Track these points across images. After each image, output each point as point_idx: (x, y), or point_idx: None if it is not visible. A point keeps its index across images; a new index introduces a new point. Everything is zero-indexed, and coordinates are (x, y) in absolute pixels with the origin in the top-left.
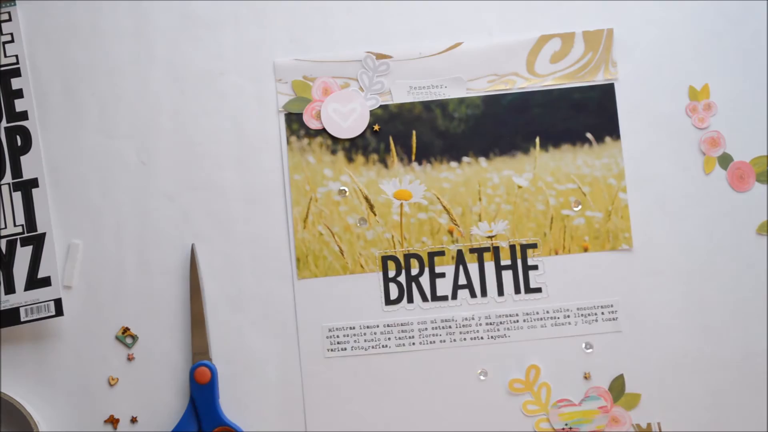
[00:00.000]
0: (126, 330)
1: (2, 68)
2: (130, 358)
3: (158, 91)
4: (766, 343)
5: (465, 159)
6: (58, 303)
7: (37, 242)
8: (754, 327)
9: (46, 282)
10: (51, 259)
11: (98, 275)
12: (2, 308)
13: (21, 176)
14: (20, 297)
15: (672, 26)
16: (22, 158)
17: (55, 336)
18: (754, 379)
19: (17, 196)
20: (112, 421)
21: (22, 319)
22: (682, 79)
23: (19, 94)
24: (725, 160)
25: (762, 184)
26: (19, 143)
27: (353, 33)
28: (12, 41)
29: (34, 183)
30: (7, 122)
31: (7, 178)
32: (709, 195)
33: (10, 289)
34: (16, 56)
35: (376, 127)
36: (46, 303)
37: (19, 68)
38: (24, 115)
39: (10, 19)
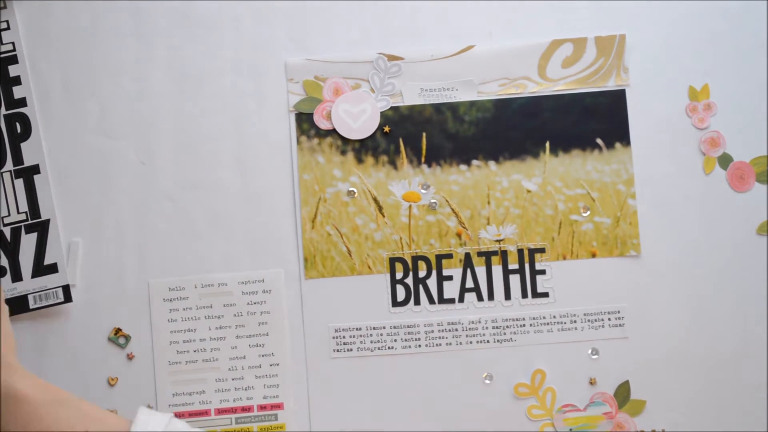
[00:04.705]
0: (118, 331)
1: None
2: (129, 357)
3: (158, 91)
4: (766, 343)
5: (474, 162)
6: (66, 289)
7: (41, 229)
8: (754, 327)
9: (52, 269)
10: (56, 246)
11: (98, 275)
12: (10, 296)
13: (22, 163)
14: (28, 284)
15: (672, 26)
16: (23, 145)
17: (55, 335)
18: (754, 379)
19: (19, 183)
20: None
21: (31, 307)
22: (682, 79)
23: (17, 81)
24: (725, 160)
25: (762, 184)
26: (18, 130)
27: (356, 33)
28: (8, 28)
29: (35, 169)
30: (6, 109)
31: (8, 165)
32: (709, 195)
33: (17, 276)
34: (13, 43)
35: (387, 129)
36: (54, 290)
37: (15, 55)
38: (23, 102)
39: (5, 6)
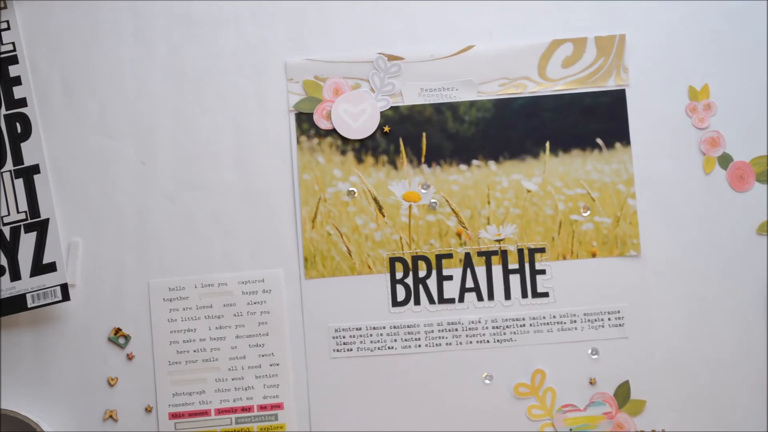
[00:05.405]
0: (118, 330)
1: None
2: (129, 357)
3: (158, 91)
4: (766, 343)
5: (474, 162)
6: (64, 288)
7: (41, 228)
8: (754, 327)
9: (51, 267)
10: (55, 245)
11: (98, 275)
12: (8, 295)
13: (22, 163)
14: (26, 283)
15: (672, 26)
16: (23, 145)
17: (55, 335)
18: (754, 379)
19: (19, 183)
20: (112, 417)
21: (29, 305)
22: (682, 79)
23: (17, 81)
24: (725, 160)
25: (762, 184)
26: (18, 130)
27: (356, 33)
28: (8, 28)
29: (35, 169)
30: (6, 109)
31: (8, 165)
32: (709, 195)
33: (15, 275)
34: (13, 43)
35: (387, 129)
36: (52, 288)
37: (15, 55)
38: (23, 102)
39: (5, 6)
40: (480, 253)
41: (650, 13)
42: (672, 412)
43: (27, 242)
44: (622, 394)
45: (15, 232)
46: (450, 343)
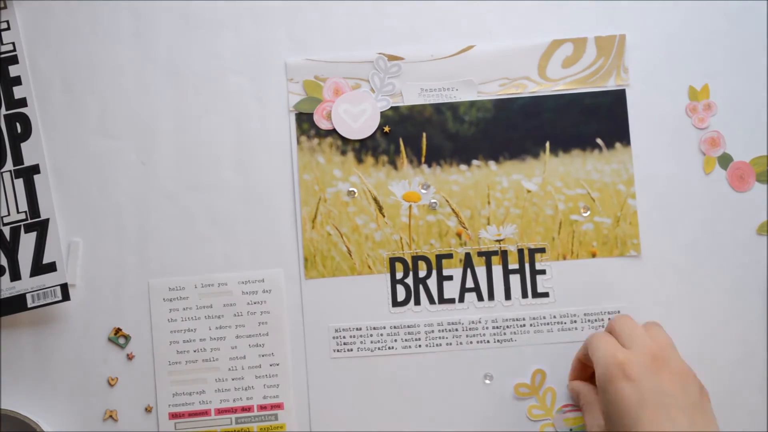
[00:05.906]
0: (118, 330)
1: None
2: (129, 357)
3: (158, 91)
4: (766, 343)
5: (474, 162)
6: (64, 288)
7: (41, 228)
8: (754, 327)
9: (51, 267)
10: (55, 245)
11: (98, 275)
12: (8, 295)
13: (22, 163)
14: (26, 283)
15: (672, 27)
16: (23, 145)
17: (55, 335)
18: (753, 379)
19: (19, 183)
20: (112, 417)
21: (29, 305)
22: (682, 79)
23: (17, 81)
24: (725, 160)
25: (762, 184)
26: (18, 130)
27: (356, 33)
28: (8, 28)
29: (35, 169)
30: (6, 109)
31: (8, 165)
32: (709, 195)
33: (15, 275)
34: (13, 43)
35: (387, 129)
36: (52, 288)
37: (15, 55)
38: (23, 102)
39: (5, 7)
40: (480, 253)
41: (650, 13)
42: None
43: (27, 242)
44: None
45: (15, 232)
46: (450, 343)
